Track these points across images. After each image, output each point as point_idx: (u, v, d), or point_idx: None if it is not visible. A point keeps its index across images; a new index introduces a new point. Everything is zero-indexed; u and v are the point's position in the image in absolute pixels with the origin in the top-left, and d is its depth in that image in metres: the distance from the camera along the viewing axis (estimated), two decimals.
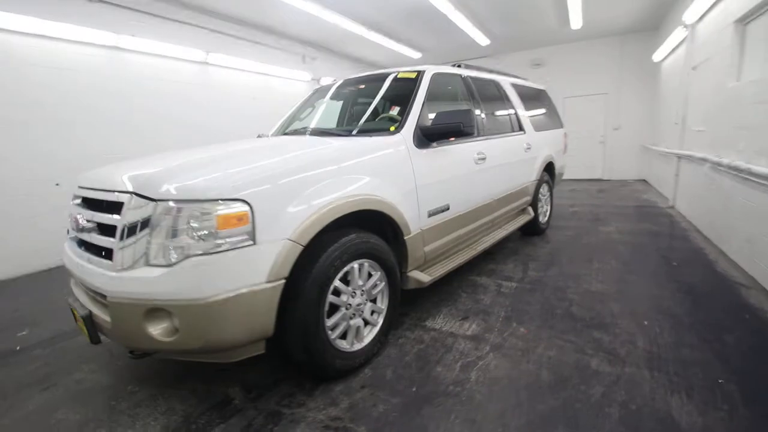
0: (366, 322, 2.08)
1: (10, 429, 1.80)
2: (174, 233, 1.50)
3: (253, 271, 1.56)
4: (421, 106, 2.53)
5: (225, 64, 5.83)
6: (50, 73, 4.13)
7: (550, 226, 4.81)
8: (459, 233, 2.81)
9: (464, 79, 3.19)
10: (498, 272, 3.38)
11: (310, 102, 3.38)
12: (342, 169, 1.94)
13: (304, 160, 1.86)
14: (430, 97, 2.65)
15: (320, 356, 1.81)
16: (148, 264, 1.52)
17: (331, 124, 3.36)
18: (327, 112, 3.22)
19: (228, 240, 1.51)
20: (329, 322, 1.85)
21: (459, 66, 3.42)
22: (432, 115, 2.51)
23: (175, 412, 1.82)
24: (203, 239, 1.49)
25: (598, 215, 5.40)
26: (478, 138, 3.04)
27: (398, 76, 2.80)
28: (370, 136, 2.34)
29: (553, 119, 4.97)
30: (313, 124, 3.11)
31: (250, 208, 1.56)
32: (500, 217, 3.45)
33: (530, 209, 4.13)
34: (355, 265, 1.95)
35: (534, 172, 4.04)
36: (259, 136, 3.15)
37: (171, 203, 1.51)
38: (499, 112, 3.64)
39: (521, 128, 3.85)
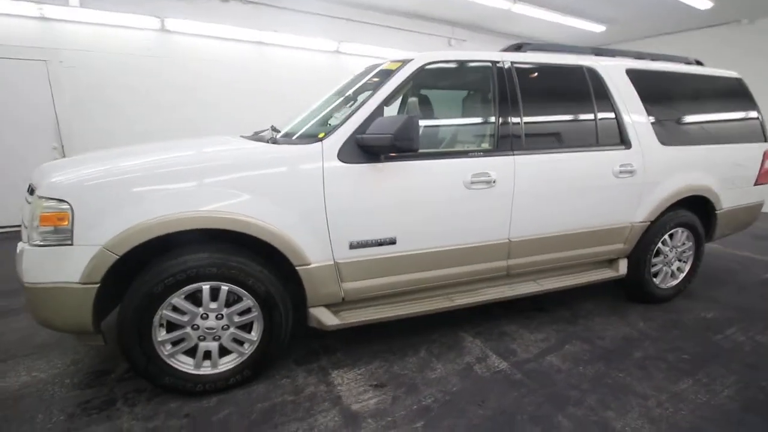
0: (227, 349, 1.89)
1: None
2: (29, 222, 1.70)
3: (66, 269, 1.62)
4: (373, 109, 1.97)
5: (356, 52, 6.06)
6: (203, 65, 5.26)
7: (686, 293, 3.08)
8: (417, 276, 2.14)
9: (500, 69, 2.28)
10: (505, 338, 2.43)
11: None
12: (207, 184, 1.74)
13: (165, 168, 1.75)
14: (425, 98, 2.03)
15: (150, 367, 1.77)
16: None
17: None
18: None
19: (47, 236, 1.61)
20: (161, 338, 1.76)
21: (520, 48, 2.48)
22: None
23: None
24: (33, 231, 1.64)
25: None
26: (485, 154, 2.16)
27: (383, 69, 2.24)
28: (293, 143, 2.00)
29: (741, 129, 3.05)
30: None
31: (71, 209, 1.61)
32: (528, 265, 2.43)
33: (621, 263, 2.73)
34: (205, 286, 1.77)
35: (639, 209, 2.61)
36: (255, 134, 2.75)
37: (32, 197, 1.72)
38: (564, 117, 2.49)
39: (623, 141, 2.52)
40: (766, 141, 3.12)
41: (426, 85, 2.60)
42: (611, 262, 2.77)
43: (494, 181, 2.14)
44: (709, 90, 2.99)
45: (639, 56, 2.94)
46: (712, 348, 2.39)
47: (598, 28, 6.74)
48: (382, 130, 1.80)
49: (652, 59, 2.97)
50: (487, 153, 2.18)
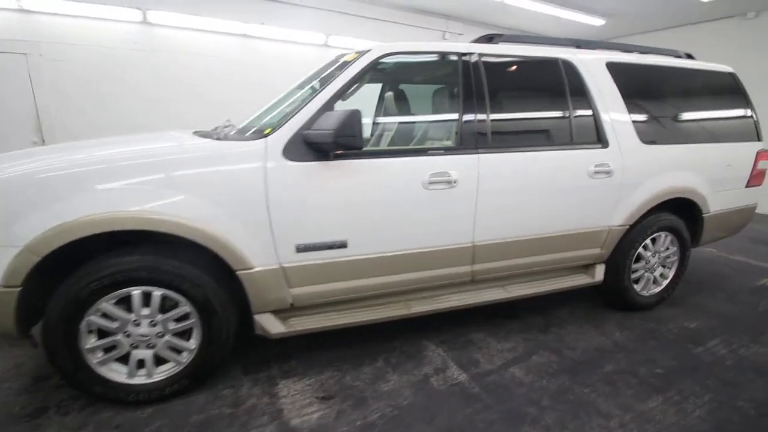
0: (162, 357, 1.79)
1: None
2: None
3: None
4: (322, 104, 1.84)
5: (346, 46, 5.90)
6: (191, 58, 5.15)
7: (671, 301, 2.92)
8: (372, 282, 2.02)
9: (466, 62, 2.13)
10: (470, 347, 2.30)
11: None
12: (138, 183, 1.63)
13: (93, 166, 1.63)
14: (401, 93, 1.88)
15: (79, 374, 1.68)
16: None
17: None
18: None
19: None
20: (90, 345, 1.67)
21: (491, 39, 2.34)
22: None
23: None
24: None
25: None
26: (447, 152, 2.02)
27: (345, 60, 2.11)
28: (236, 140, 1.88)
29: (733, 127, 2.88)
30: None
31: None
32: (495, 271, 2.30)
33: (598, 269, 2.59)
34: (135, 291, 1.67)
35: (617, 212, 2.46)
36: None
37: None
38: (536, 113, 2.34)
39: (600, 139, 2.37)
40: (759, 140, 2.94)
41: (385, 78, 2.47)
42: (587, 267, 2.63)
43: (455, 182, 2.01)
44: (699, 85, 2.81)
45: (626, 49, 2.78)
46: (689, 362, 2.24)
47: (598, 21, 6.50)
48: (326, 127, 1.68)
49: (641, 53, 2.81)
50: (448, 151, 2.04)
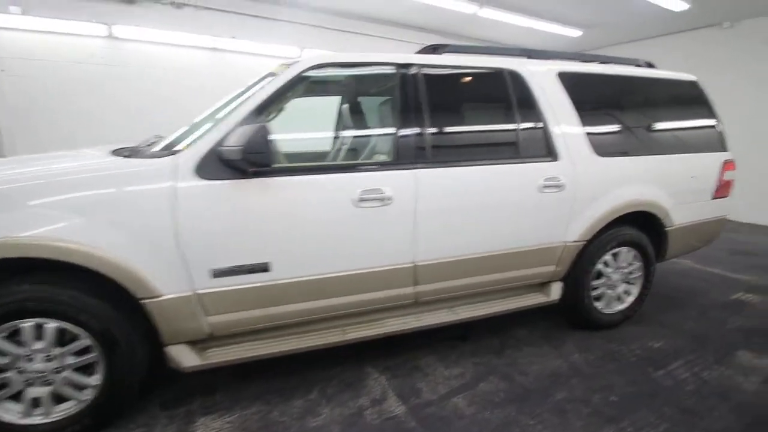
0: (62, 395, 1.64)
1: None
2: None
3: None
4: (240, 119, 1.72)
5: None
6: (160, 72, 5.07)
7: (637, 318, 2.77)
8: (300, 307, 1.88)
9: (405, 73, 2.03)
10: (415, 374, 2.15)
11: None
12: (32, 206, 1.50)
13: None
14: (356, 106, 1.77)
15: None
16: None
17: None
18: None
19: None
20: None
21: (436, 49, 2.24)
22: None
23: None
24: None
25: None
26: (380, 168, 1.91)
27: (272, 72, 2.01)
28: (146, 158, 1.76)
29: (696, 137, 2.78)
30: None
31: None
32: (440, 292, 2.17)
33: (554, 287, 2.46)
34: (26, 324, 1.52)
35: (572, 227, 2.33)
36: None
37: None
38: (480, 126, 2.25)
39: (550, 152, 2.26)
40: (725, 150, 2.85)
41: (317, 91, 2.37)
42: (544, 285, 2.50)
43: (390, 199, 1.89)
44: (660, 94, 2.73)
45: (585, 59, 2.70)
46: (648, 387, 2.10)
47: (575, 32, 6.49)
48: (235, 143, 1.57)
49: (602, 62, 2.73)
50: (382, 167, 1.93)
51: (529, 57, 2.47)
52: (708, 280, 3.64)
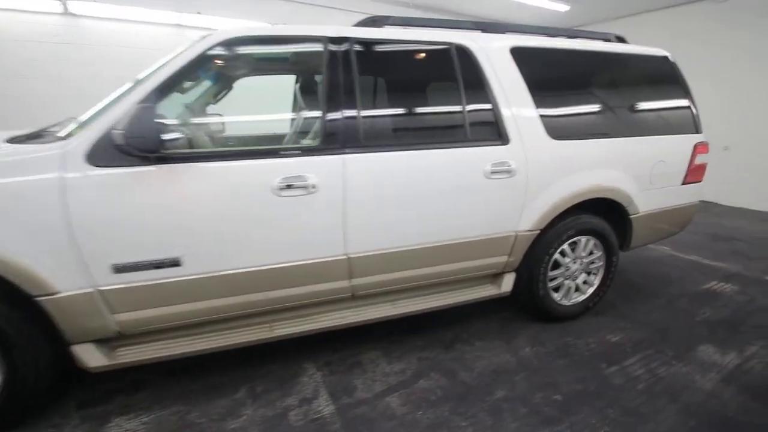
0: None
1: None
2: None
3: None
4: (138, 98, 1.55)
5: None
6: (121, 51, 4.83)
7: (599, 309, 2.66)
8: (219, 304, 1.76)
9: (336, 49, 1.85)
10: (355, 370, 2.05)
11: None
12: None
13: None
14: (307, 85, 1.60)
15: None
16: None
17: None
18: None
19: None
20: None
21: (375, 22, 2.05)
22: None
23: None
24: None
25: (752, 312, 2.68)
26: (304, 153, 1.75)
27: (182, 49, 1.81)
28: (32, 143, 1.61)
29: (666, 118, 2.60)
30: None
31: None
32: (380, 285, 2.04)
33: (507, 279, 2.33)
34: None
35: (524, 215, 2.19)
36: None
37: None
38: (420, 107, 2.07)
39: (500, 135, 2.10)
40: (698, 132, 2.67)
41: (233, 67, 2.18)
42: (497, 276, 2.37)
43: (314, 186, 1.74)
44: (626, 72, 2.54)
45: (551, 34, 2.50)
46: (596, 385, 1.99)
47: (562, 7, 6.17)
48: (120, 126, 1.41)
49: (568, 37, 2.53)
50: (306, 152, 1.77)
51: (484, 31, 2.28)
52: (683, 267, 3.51)
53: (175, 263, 1.65)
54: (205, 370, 2.05)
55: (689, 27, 6.09)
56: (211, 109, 2.56)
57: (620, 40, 2.67)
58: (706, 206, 5.91)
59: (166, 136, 1.49)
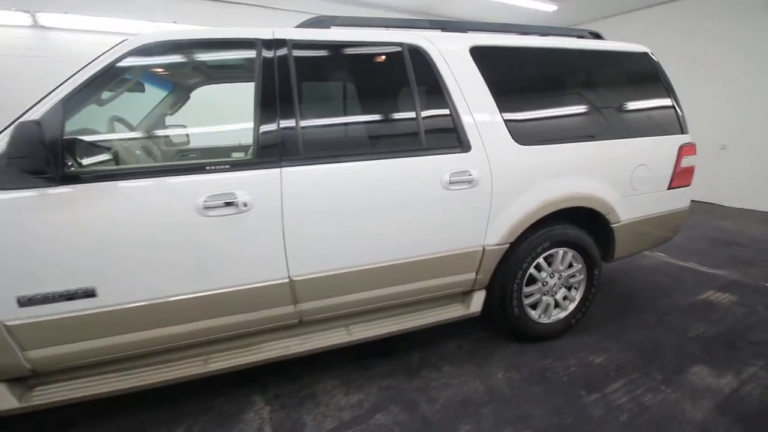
0: None
1: None
2: None
3: None
4: (42, 114, 1.41)
5: None
6: None
7: (583, 325, 2.45)
8: (145, 336, 1.59)
9: (272, 54, 1.69)
10: (307, 403, 1.85)
11: None
12: None
13: None
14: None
15: None
16: None
17: None
18: None
19: None
20: None
21: (320, 22, 1.90)
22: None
23: None
24: None
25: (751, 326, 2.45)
26: (234, 168, 1.58)
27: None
28: None
29: (648, 119, 2.41)
30: None
31: None
32: (331, 309, 1.86)
33: (476, 297, 2.14)
34: None
35: (491, 228, 2.00)
36: None
37: None
38: (369, 115, 1.91)
39: (459, 143, 1.92)
40: (683, 133, 2.48)
41: (155, 76, 2.03)
42: (466, 295, 2.18)
43: (245, 204, 1.57)
44: (602, 70, 2.35)
45: (524, 32, 2.34)
46: (573, 417, 1.79)
47: (549, 7, 6.02)
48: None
49: (542, 34, 2.37)
50: (237, 166, 1.60)
51: (444, 30, 2.12)
52: (677, 276, 3.29)
53: (89, 294, 1.48)
54: (145, 405, 1.87)
55: (684, 23, 5.90)
56: (170, 120, 2.44)
57: (596, 36, 2.49)
58: (706, 208, 5.68)
59: (66, 155, 1.33)
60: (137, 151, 1.89)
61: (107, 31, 4.75)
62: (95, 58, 1.53)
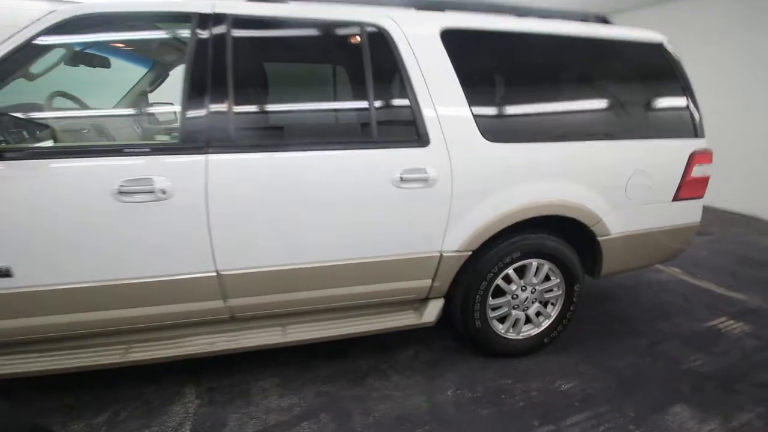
0: None
1: None
2: None
3: None
4: None
5: None
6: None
7: (560, 345, 2.21)
8: (57, 321, 1.54)
9: (208, 28, 1.55)
10: (236, 401, 1.77)
11: None
12: None
13: None
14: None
15: None
16: None
17: None
18: None
19: None
20: None
21: None
22: None
23: None
24: None
25: None
26: (154, 152, 1.48)
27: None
28: None
29: (655, 118, 2.10)
30: None
31: None
32: (266, 307, 1.75)
33: (431, 306, 1.95)
34: None
35: (450, 233, 1.80)
36: None
37: None
38: (314, 102, 1.74)
39: (417, 137, 1.72)
40: (698, 137, 2.13)
41: (83, 58, 1.91)
42: (423, 302, 2.01)
43: (163, 192, 1.47)
44: (602, 61, 2.05)
45: (518, 13, 2.07)
46: None
47: None
48: None
49: (541, 17, 2.09)
50: (157, 150, 1.50)
51: (418, 8, 1.90)
52: (689, 297, 2.94)
53: (5, 273, 1.45)
54: (83, 386, 1.87)
55: (744, 11, 5.20)
56: (152, 97, 2.39)
57: (603, 21, 2.17)
58: (745, 221, 5.09)
59: None
60: (84, 130, 1.83)
61: None
62: (16, 33, 1.45)
